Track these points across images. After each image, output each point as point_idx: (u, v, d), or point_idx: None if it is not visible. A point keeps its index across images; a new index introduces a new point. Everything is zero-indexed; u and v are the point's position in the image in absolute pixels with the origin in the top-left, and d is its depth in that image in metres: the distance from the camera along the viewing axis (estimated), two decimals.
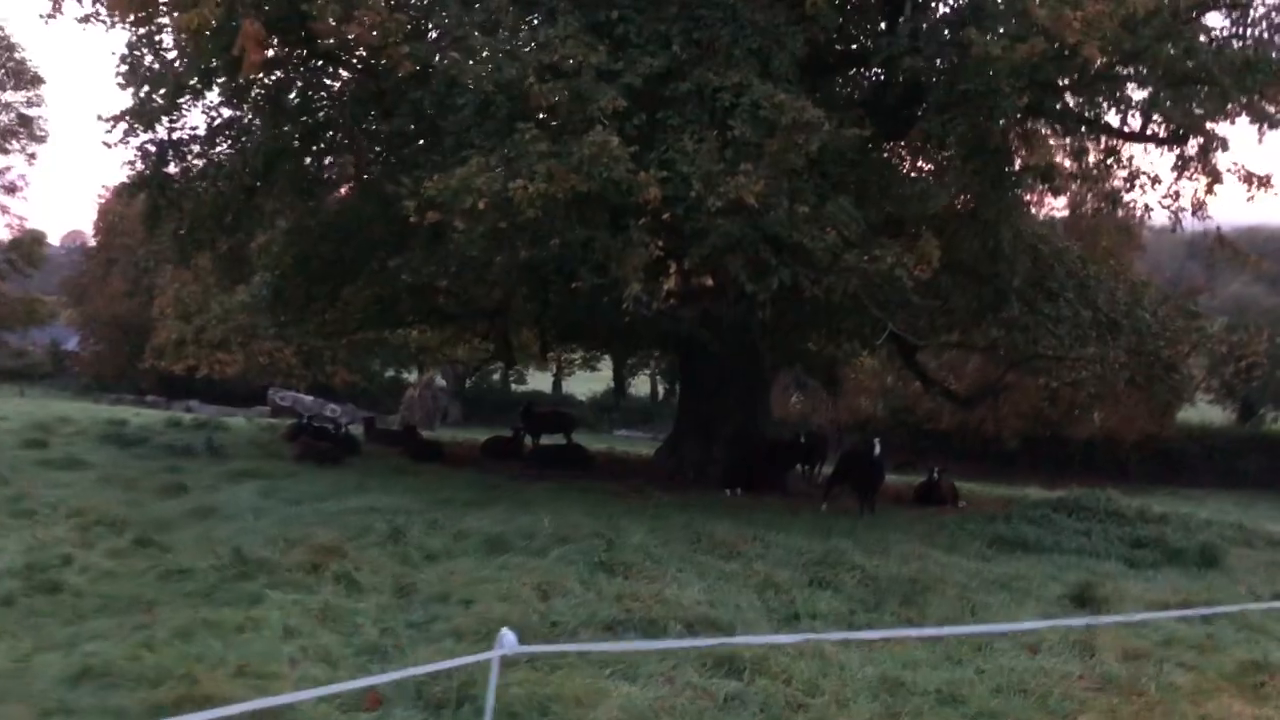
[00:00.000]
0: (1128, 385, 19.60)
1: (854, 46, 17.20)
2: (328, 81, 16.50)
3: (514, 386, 67.89)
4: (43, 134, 52.58)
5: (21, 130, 52.99)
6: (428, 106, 13.60)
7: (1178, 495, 34.86)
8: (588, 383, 66.36)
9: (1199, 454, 41.48)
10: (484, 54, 13.07)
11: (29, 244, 54.50)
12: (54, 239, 75.49)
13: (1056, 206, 22.33)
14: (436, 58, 13.27)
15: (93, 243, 64.78)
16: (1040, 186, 17.36)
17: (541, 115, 12.64)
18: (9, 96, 51.55)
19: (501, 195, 12.04)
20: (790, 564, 10.88)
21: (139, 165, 15.95)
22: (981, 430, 42.76)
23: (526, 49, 13.18)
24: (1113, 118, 17.15)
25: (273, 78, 15.90)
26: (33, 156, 53.63)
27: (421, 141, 14.56)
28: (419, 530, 11.32)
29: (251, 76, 14.97)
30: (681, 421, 21.62)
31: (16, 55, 50.63)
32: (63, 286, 65.45)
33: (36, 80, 51.28)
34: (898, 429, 47.92)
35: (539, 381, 68.65)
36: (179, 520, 11.00)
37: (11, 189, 55.45)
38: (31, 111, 51.83)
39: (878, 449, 16.11)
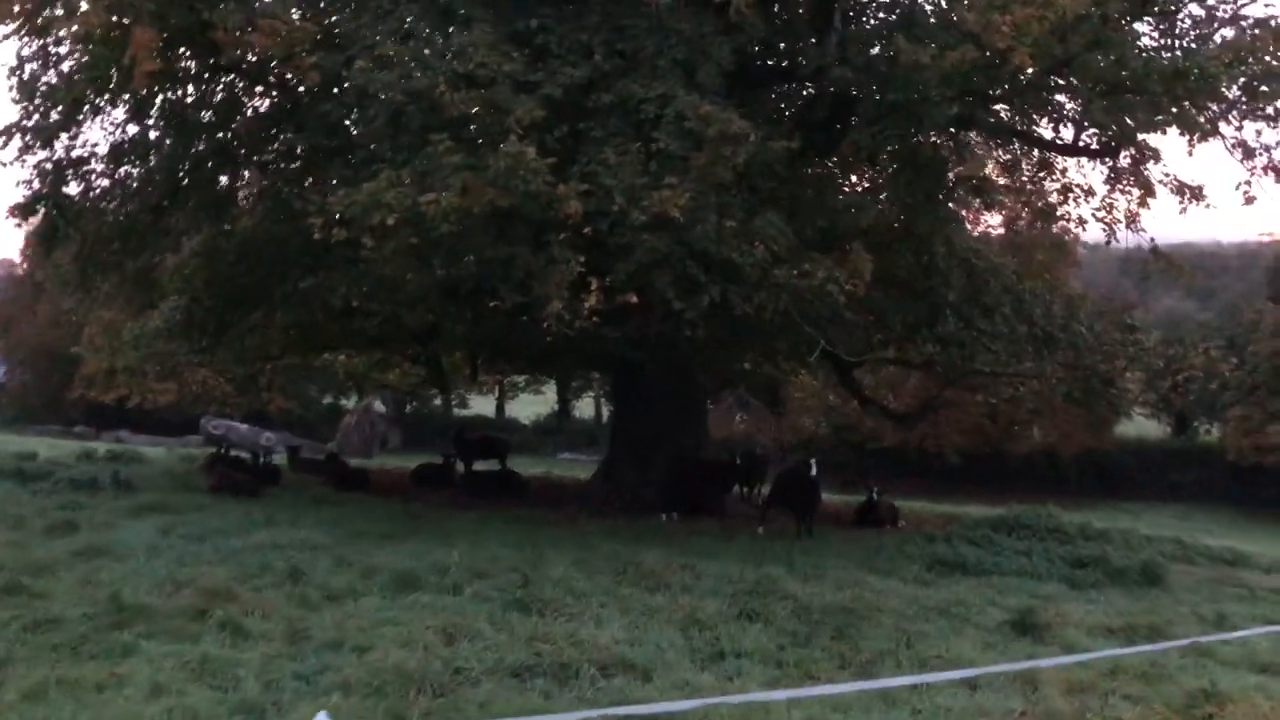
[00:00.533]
0: (1066, 400, 19.39)
1: (784, 63, 16.85)
2: (236, 95, 15.73)
3: (456, 411, 67.02)
4: None
5: None
6: (337, 119, 12.95)
7: (1117, 509, 34.94)
8: (532, 405, 65.51)
9: (1136, 467, 41.77)
10: (395, 63, 12.43)
11: None
12: None
13: (992, 223, 22.19)
14: (345, 69, 12.58)
15: (20, 270, 62.87)
16: (974, 201, 17.10)
17: (457, 127, 12.03)
18: None
19: (413, 210, 11.42)
20: (720, 594, 10.32)
21: (35, 184, 15.06)
22: (923, 447, 42.71)
23: (440, 58, 12.58)
24: (1045, 130, 16.99)
25: (177, 93, 15.12)
26: None
27: (335, 158, 13.85)
28: (325, 568, 10.61)
29: (153, 89, 14.27)
30: (616, 444, 21.02)
31: None
32: None
33: None
34: (841, 447, 47.78)
35: (482, 405, 67.76)
36: (62, 562, 10.16)
37: None
38: None
39: (814, 469, 15.63)
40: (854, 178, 16.57)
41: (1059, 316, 17.74)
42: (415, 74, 12.28)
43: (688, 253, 12.60)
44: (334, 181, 12.66)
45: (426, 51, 12.70)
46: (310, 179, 14.25)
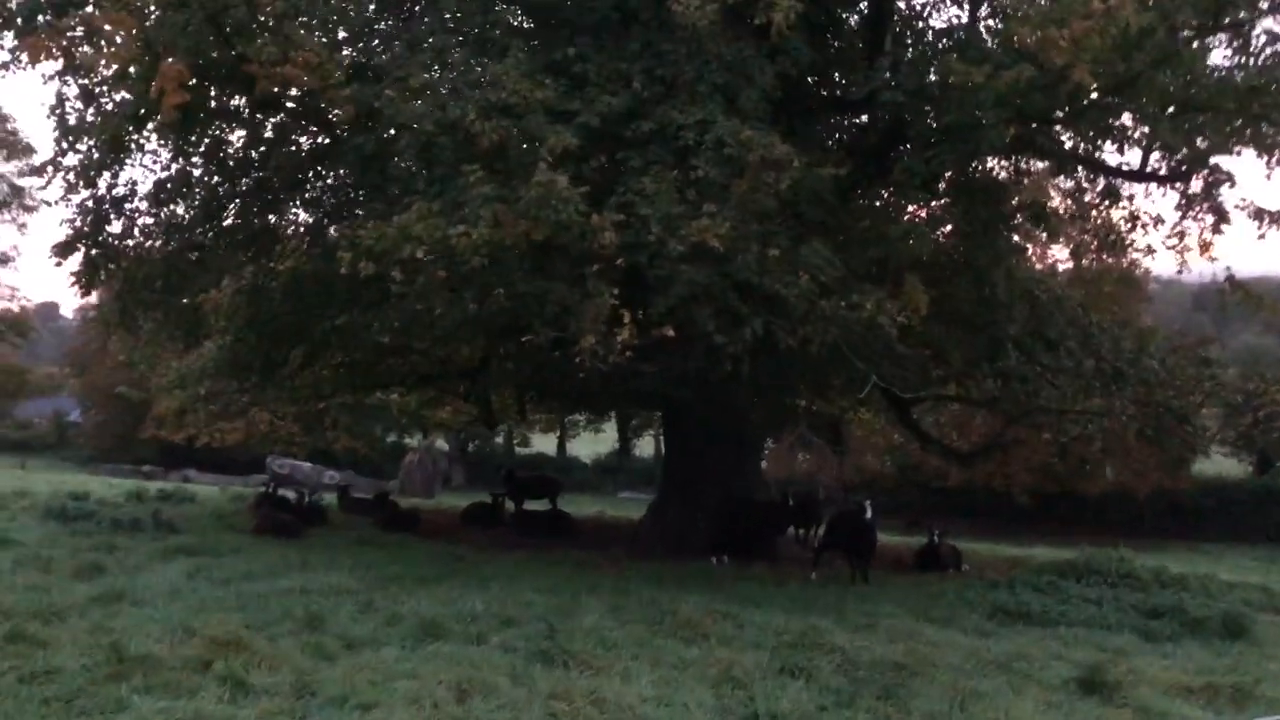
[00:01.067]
0: (1138, 438, 18.43)
1: (835, 90, 16.33)
2: (279, 131, 15.57)
3: (518, 449, 66.94)
4: (34, 204, 52.02)
5: (14, 201, 52.58)
6: (372, 152, 12.66)
7: (1195, 551, 33.41)
8: (592, 444, 65.22)
9: (1215, 508, 40.06)
10: (427, 93, 12.12)
11: (16, 316, 53.92)
12: (68, 309, 74.98)
13: (1059, 257, 21.36)
14: (378, 100, 12.30)
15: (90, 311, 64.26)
16: (1036, 230, 16.34)
17: (489, 159, 11.65)
18: (1, 167, 51.23)
19: (443, 243, 11.03)
20: (761, 646, 9.66)
21: (76, 223, 14.99)
22: (991, 487, 41.51)
23: (473, 88, 12.25)
24: (1110, 155, 16.21)
25: (218, 129, 15.00)
26: (23, 226, 53.12)
27: (363, 192, 13.57)
28: (347, 614, 10.15)
29: (193, 127, 14.14)
30: (666, 485, 20.46)
31: (8, 125, 50.36)
32: (67, 357, 64.86)
33: (28, 150, 50.84)
34: (905, 487, 46.79)
35: (543, 444, 67.57)
36: (77, 607, 9.82)
37: (3, 260, 55.00)
38: (23, 181, 51.28)
39: (869, 511, 14.88)
40: (911, 207, 15.86)
41: (1128, 351, 16.85)
42: (448, 104, 11.94)
43: (730, 285, 12.07)
44: (363, 215, 12.31)
45: (459, 80, 12.37)
46: (345, 215, 13.95)
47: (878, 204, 14.57)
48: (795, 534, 19.54)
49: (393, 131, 12.41)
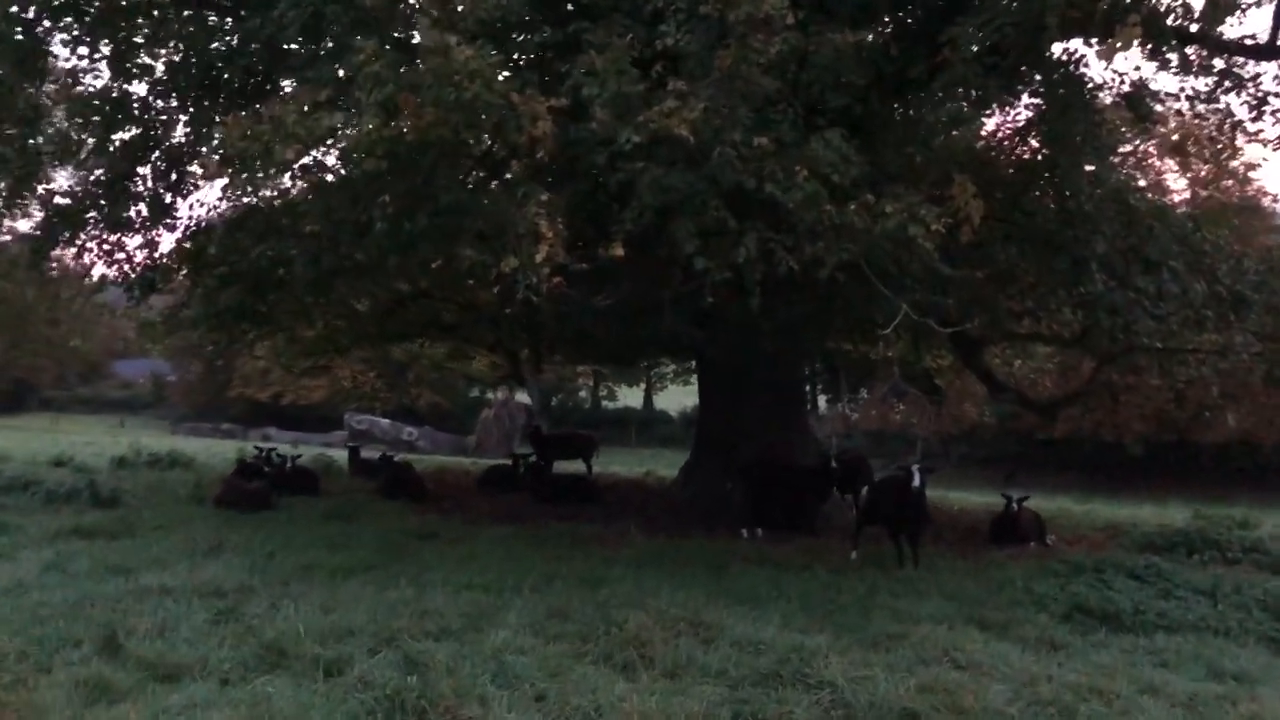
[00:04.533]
0: (1266, 382, 15.01)
1: None
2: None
3: (604, 403, 64.87)
4: None
5: None
6: (267, 37, 10.05)
7: None
8: (681, 397, 62.77)
9: None
10: None
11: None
12: None
13: (1164, 165, 17.78)
14: None
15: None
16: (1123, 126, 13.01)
17: (383, 26, 8.96)
18: None
19: (322, 141, 8.43)
20: (721, 678, 6.97)
21: None
22: (1099, 437, 37.80)
23: None
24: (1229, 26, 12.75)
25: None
26: None
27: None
28: (190, 628, 7.73)
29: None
30: (699, 445, 17.72)
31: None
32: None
33: None
34: (1006, 438, 43.24)
35: (630, 397, 65.33)
36: None
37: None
38: None
39: (918, 478, 11.90)
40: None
41: (1253, 273, 13.39)
42: None
43: (714, 190, 9.22)
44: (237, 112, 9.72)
45: None
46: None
47: (921, 94, 11.43)
48: (844, 500, 16.60)
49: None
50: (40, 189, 13.14)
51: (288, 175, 9.01)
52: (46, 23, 12.15)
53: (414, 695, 6.26)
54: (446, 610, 8.42)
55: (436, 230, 9.40)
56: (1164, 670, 7.91)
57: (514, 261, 8.20)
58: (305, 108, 8.60)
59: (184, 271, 15.90)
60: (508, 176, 8.88)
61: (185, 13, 11.56)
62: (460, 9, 8.63)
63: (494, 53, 8.64)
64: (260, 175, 8.54)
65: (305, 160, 8.77)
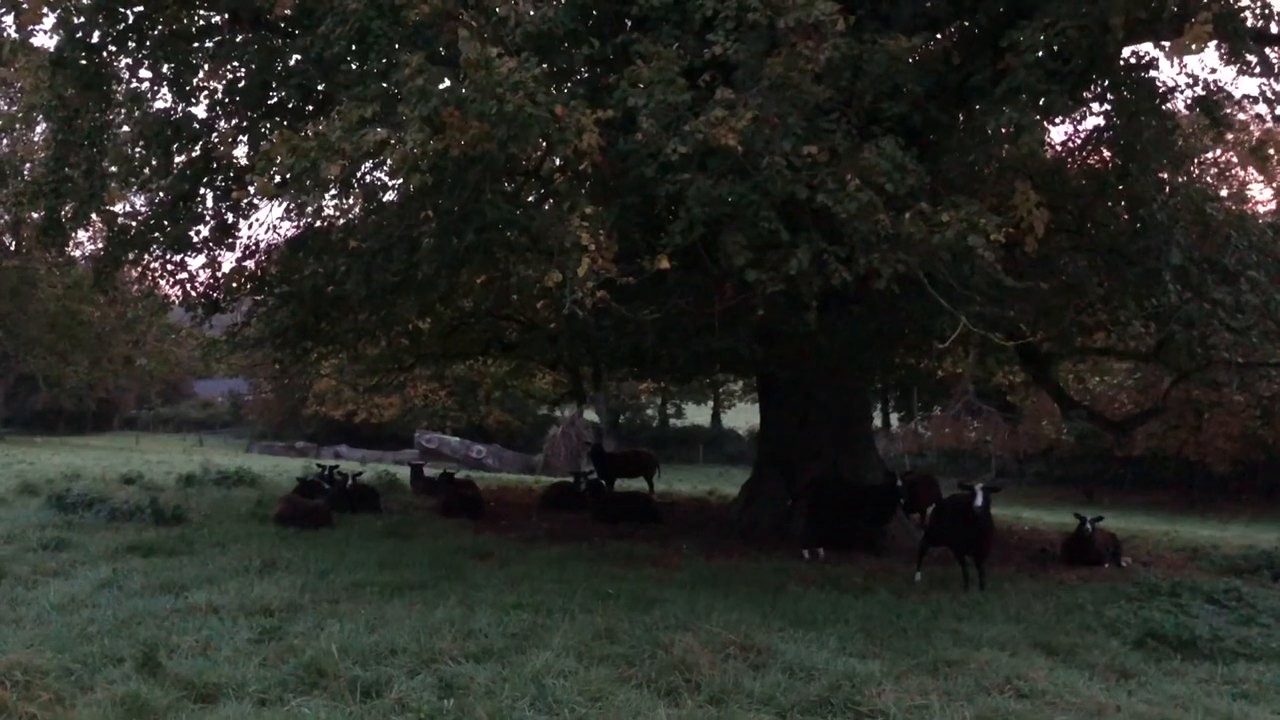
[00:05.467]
0: None
1: None
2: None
3: (672, 421, 64.56)
4: None
5: None
6: (317, 55, 10.07)
7: None
8: (749, 415, 62.29)
9: None
10: None
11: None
12: None
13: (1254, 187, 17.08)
14: None
15: None
16: (1200, 131, 12.51)
17: (429, 41, 8.91)
18: None
19: (370, 157, 8.39)
20: (769, 707, 6.70)
21: None
22: (1183, 455, 36.67)
23: None
24: None
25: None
26: None
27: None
28: (233, 647, 7.67)
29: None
30: (761, 463, 17.42)
31: None
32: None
33: None
34: (1085, 457, 42.19)
35: (698, 415, 64.92)
36: None
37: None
38: None
39: (980, 498, 11.50)
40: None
41: None
42: None
43: (766, 202, 8.99)
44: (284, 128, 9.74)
45: None
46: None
47: (984, 101, 11.08)
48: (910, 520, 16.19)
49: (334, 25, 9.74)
50: (105, 209, 13.31)
51: (332, 193, 8.90)
52: (112, 47, 12.35)
53: (450, 719, 6.10)
54: (491, 631, 8.27)
55: (483, 245, 9.31)
56: (1244, 701, 7.46)
57: (558, 276, 8.06)
58: (352, 123, 8.57)
59: (245, 289, 16.10)
60: (554, 189, 8.72)
61: (238, 37, 11.69)
62: (510, 23, 8.54)
63: (541, 66, 8.54)
64: (307, 193, 8.52)
65: (354, 177, 8.65)
